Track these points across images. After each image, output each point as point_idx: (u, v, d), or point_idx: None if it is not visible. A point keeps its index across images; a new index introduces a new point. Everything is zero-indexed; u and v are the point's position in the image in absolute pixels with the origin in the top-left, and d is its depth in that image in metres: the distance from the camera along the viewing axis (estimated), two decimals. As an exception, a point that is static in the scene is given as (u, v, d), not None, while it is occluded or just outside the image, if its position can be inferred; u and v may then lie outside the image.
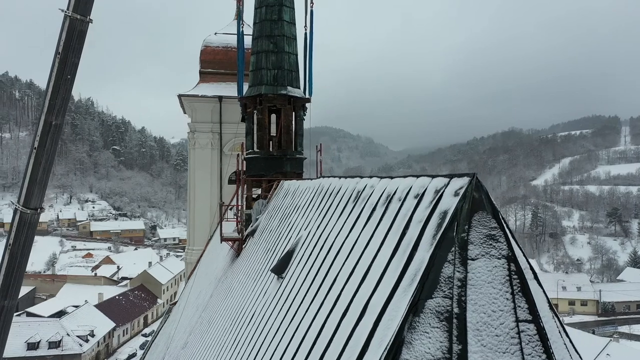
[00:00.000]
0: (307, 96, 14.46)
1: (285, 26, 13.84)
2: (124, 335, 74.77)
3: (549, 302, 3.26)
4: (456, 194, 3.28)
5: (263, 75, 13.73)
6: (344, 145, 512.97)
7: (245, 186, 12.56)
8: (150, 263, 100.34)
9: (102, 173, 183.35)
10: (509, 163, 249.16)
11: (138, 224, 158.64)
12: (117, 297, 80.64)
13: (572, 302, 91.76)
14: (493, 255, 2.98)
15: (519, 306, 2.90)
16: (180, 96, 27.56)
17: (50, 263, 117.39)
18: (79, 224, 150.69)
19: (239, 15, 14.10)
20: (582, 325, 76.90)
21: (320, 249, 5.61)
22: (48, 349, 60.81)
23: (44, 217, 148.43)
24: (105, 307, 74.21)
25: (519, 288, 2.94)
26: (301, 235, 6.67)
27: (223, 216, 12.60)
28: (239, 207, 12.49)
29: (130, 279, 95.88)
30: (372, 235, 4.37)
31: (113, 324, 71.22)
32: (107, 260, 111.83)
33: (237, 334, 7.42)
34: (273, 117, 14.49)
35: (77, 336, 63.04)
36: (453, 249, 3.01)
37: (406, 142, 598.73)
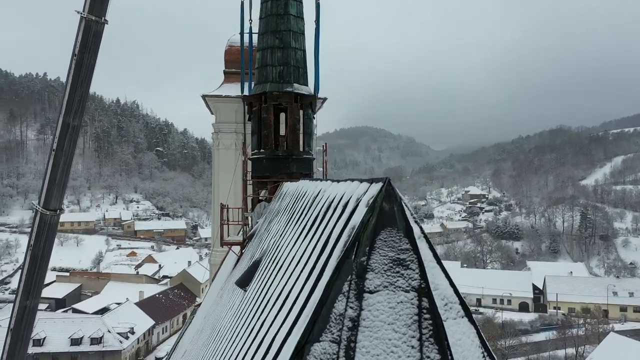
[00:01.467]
0: (315, 94, 13.77)
1: (292, 20, 13.21)
2: (163, 333, 76.25)
3: (484, 350, 2.48)
4: (367, 205, 2.56)
5: (268, 72, 13.17)
6: (384, 145, 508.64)
7: (246, 188, 12.05)
8: (189, 262, 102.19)
9: (146, 174, 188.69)
10: (556, 162, 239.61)
11: (180, 224, 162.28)
12: (157, 295, 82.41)
13: (623, 309, 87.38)
14: (399, 287, 2.25)
15: (428, 357, 2.16)
16: (204, 96, 27.47)
17: (97, 261, 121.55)
18: (123, 223, 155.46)
19: (242, 8, 13.62)
20: (634, 333, 72.60)
21: (273, 264, 4.96)
22: (90, 344, 62.67)
23: (91, 216, 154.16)
24: (145, 305, 75.90)
25: (430, 332, 2.20)
26: (268, 245, 6.04)
27: (223, 218, 12.13)
28: (241, 209, 11.99)
29: (170, 277, 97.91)
30: (302, 254, 3.70)
31: (152, 322, 72.72)
32: (150, 259, 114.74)
33: (211, 350, 6.88)
34: (282, 116, 13.91)
35: (118, 333, 64.67)
36: (350, 277, 2.30)
37: (448, 141, 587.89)
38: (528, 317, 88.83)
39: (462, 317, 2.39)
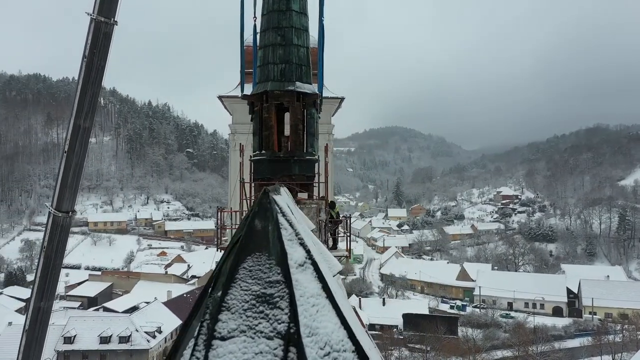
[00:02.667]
0: (319, 92, 13.24)
1: (294, 16, 12.70)
2: (190, 333, 76.94)
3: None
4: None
5: (270, 70, 12.69)
6: (414, 145, 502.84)
7: (243, 190, 11.62)
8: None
9: (176, 175, 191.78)
10: (593, 162, 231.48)
11: (209, 224, 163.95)
12: (184, 295, 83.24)
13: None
14: (260, 333, 1.72)
15: None
16: (220, 97, 27.31)
17: (128, 261, 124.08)
18: (154, 223, 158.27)
19: (242, 5, 13.21)
20: (675, 341, 69.20)
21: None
22: (118, 343, 63.69)
23: (124, 216, 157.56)
24: (173, 304, 76.76)
25: (296, 396, 1.65)
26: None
27: (221, 221, 11.74)
28: (238, 212, 11.57)
29: (198, 277, 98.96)
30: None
31: (179, 321, 73.46)
32: (179, 259, 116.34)
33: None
34: (285, 116, 13.43)
35: (145, 332, 65.51)
36: (203, 318, 1.77)
37: (480, 140, 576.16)
38: (562, 322, 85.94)
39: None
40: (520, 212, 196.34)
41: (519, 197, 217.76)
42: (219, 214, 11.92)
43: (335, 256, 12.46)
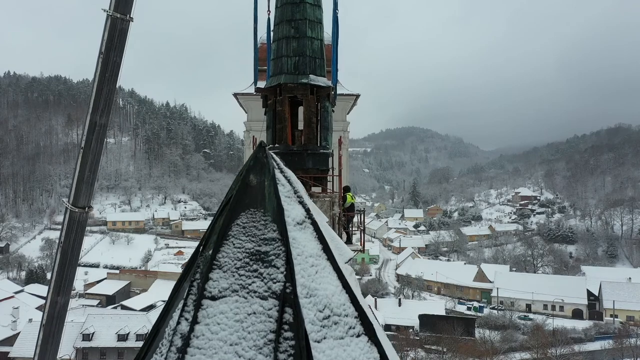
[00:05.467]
0: (332, 85, 13.09)
1: (308, 8, 12.57)
2: (206, 331, 77.48)
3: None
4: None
5: (283, 63, 12.58)
6: (431, 146, 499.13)
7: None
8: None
9: (193, 175, 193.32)
10: (614, 162, 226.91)
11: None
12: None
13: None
14: (253, 293, 1.61)
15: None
16: (235, 95, 27.34)
17: (145, 260, 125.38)
18: (172, 223, 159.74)
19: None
20: (700, 346, 67.43)
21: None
22: (136, 340, 64.33)
23: (141, 216, 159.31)
24: (189, 303, 77.33)
25: (291, 356, 1.50)
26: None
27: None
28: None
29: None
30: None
31: (196, 320, 73.99)
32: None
33: None
34: (299, 110, 13.32)
35: (162, 330, 66.10)
36: (193, 277, 1.64)
37: (498, 141, 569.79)
38: (582, 324, 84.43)
39: (356, 337, 1.68)
40: (539, 213, 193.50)
41: (538, 197, 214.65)
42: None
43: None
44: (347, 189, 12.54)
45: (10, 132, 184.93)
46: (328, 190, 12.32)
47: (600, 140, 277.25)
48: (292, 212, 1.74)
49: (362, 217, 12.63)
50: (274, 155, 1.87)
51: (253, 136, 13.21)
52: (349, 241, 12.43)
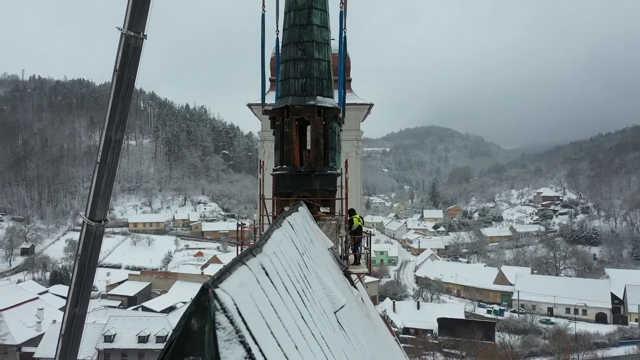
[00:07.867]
0: (340, 106, 13.14)
1: (315, 30, 12.67)
2: (225, 333, 78.12)
3: None
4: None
5: (291, 85, 12.71)
6: (451, 145, 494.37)
7: (262, 206, 11.63)
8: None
9: (212, 176, 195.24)
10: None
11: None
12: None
13: None
14: None
15: None
16: (250, 105, 27.60)
17: (166, 261, 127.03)
18: (191, 224, 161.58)
19: (262, 20, 13.26)
20: None
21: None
22: (156, 342, 65.21)
23: (162, 217, 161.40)
24: (208, 305, 78.09)
25: None
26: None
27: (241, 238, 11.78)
28: (257, 228, 11.60)
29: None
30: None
31: (215, 322, 74.71)
32: (215, 260, 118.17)
33: None
34: (307, 130, 13.39)
35: (182, 332, 66.88)
36: None
37: (520, 140, 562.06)
38: (606, 329, 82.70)
39: None
40: (561, 214, 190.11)
41: (561, 198, 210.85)
42: (240, 229, 11.98)
43: (355, 273, 12.30)
44: (352, 212, 12.57)
45: (36, 135, 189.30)
46: (336, 213, 12.39)
47: (626, 138, 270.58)
48: (231, 356, 1.80)
49: (369, 240, 12.65)
50: (220, 295, 1.92)
51: (261, 160, 13.32)
52: (356, 262, 12.49)
